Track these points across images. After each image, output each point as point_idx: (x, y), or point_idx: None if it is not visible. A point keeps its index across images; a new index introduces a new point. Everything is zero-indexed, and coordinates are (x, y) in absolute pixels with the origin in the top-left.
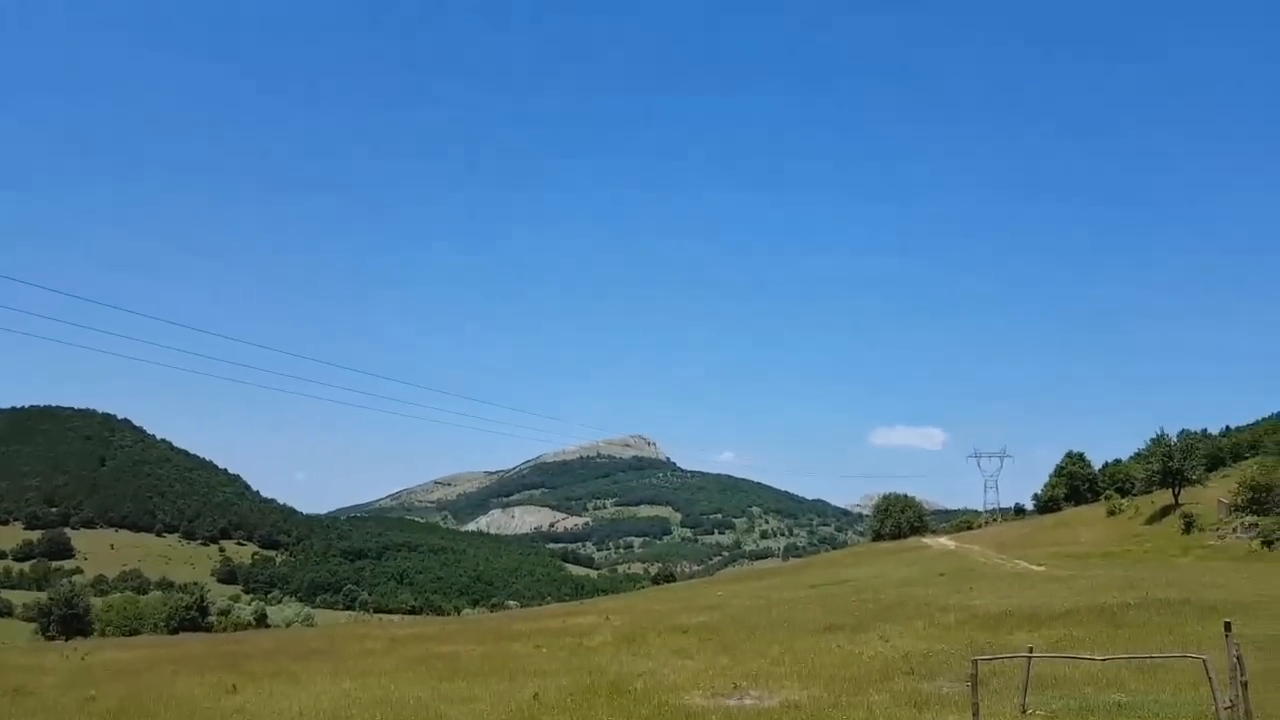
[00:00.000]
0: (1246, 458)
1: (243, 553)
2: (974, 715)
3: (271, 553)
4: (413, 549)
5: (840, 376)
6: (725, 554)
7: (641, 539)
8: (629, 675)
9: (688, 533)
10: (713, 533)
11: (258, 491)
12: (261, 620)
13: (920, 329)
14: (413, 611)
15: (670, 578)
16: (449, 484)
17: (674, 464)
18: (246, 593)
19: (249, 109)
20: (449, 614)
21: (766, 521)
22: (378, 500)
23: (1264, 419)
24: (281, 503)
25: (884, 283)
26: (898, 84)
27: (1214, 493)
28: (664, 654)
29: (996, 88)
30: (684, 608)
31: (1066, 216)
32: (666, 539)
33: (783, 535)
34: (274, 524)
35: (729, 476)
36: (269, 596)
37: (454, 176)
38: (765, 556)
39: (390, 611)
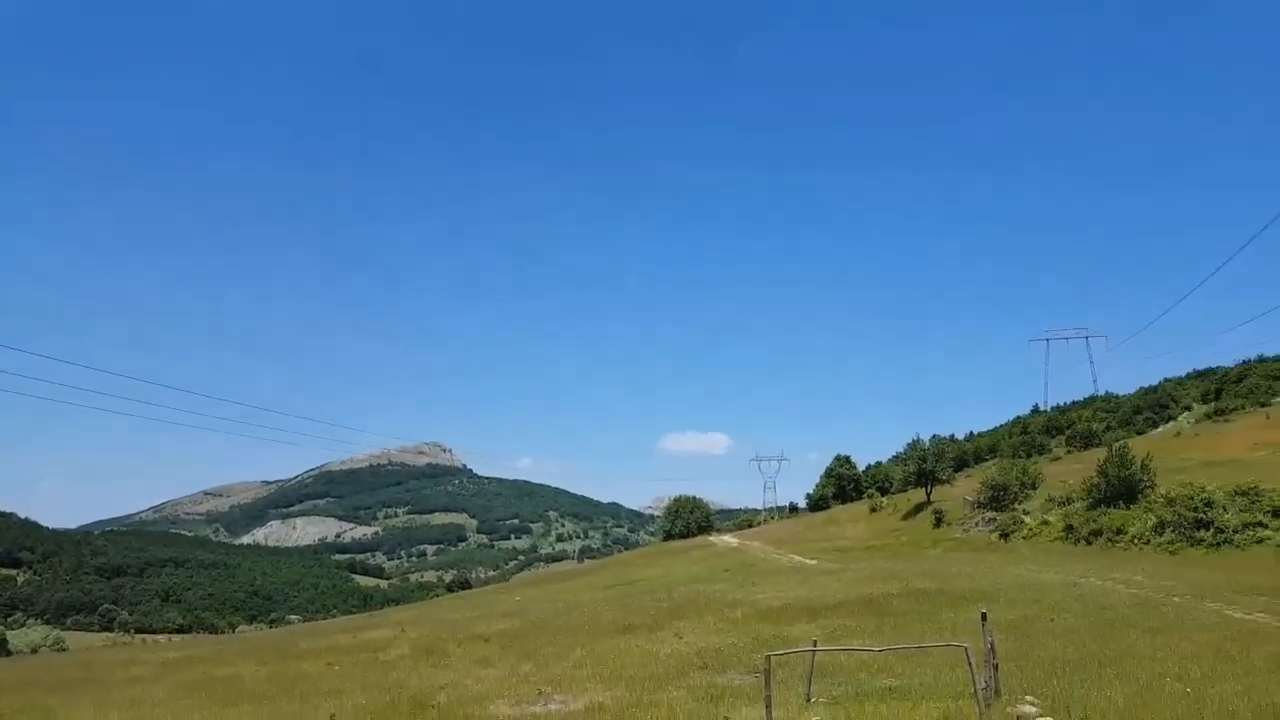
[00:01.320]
0: (987, 459)
1: None
2: (766, 707)
3: (12, 571)
4: (179, 564)
5: (633, 385)
6: (522, 558)
7: (436, 546)
8: (430, 689)
9: (484, 539)
10: (509, 538)
11: None
12: (1, 646)
13: (707, 339)
14: (181, 630)
15: (466, 585)
16: (220, 495)
17: (471, 471)
18: None
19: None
20: (223, 631)
21: (563, 525)
22: (138, 513)
23: (1001, 425)
24: (22, 516)
25: (673, 292)
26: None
27: (960, 491)
28: (465, 664)
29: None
30: (483, 615)
31: (838, 243)
32: (462, 545)
33: (578, 538)
34: (13, 540)
35: (526, 482)
36: (9, 620)
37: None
38: (561, 559)
39: (155, 631)
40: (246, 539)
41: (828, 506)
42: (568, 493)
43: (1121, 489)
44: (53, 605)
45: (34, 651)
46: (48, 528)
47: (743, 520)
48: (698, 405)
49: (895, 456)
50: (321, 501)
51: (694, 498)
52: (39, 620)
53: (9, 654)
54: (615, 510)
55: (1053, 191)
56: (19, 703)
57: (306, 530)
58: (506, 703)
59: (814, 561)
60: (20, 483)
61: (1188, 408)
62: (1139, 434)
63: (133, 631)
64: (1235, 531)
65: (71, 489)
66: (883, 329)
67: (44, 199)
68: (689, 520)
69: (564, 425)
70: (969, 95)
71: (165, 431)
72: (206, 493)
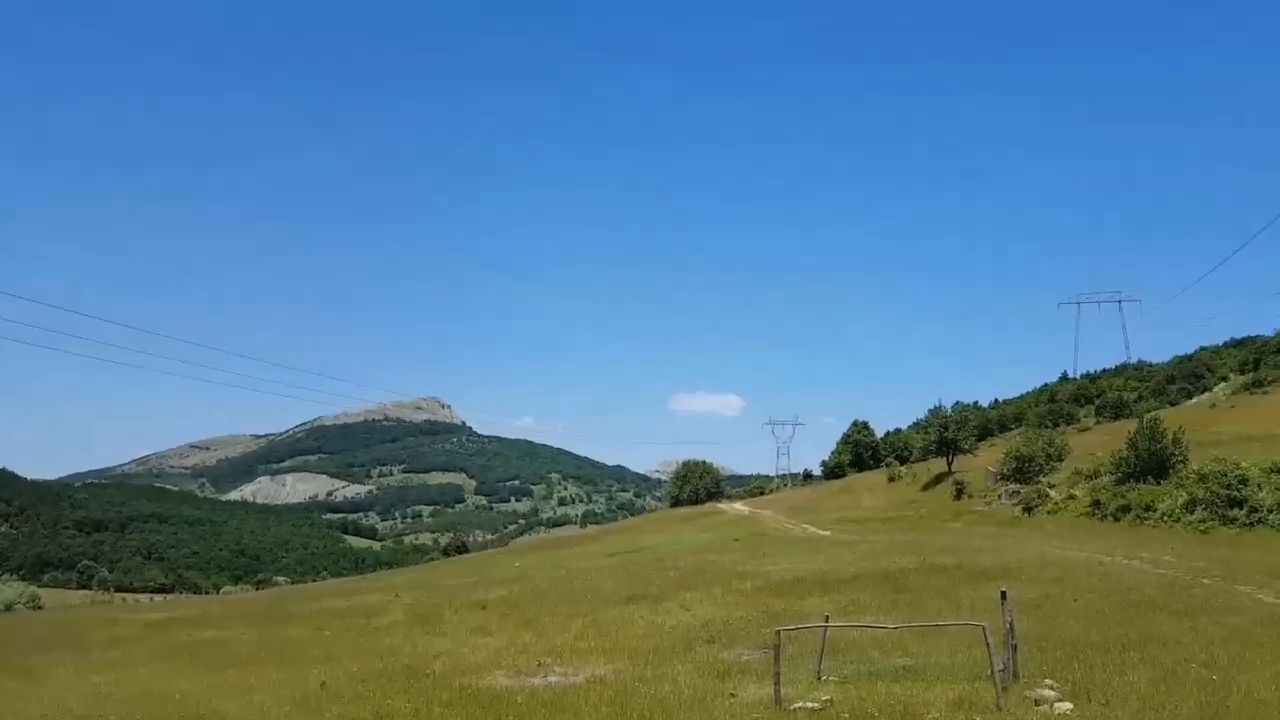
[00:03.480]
0: (1012, 429)
1: None
2: (775, 684)
3: None
4: (163, 520)
5: (642, 343)
6: (522, 522)
7: (432, 507)
8: (425, 656)
9: (483, 500)
10: (509, 500)
11: None
12: None
13: (721, 297)
14: (162, 590)
15: (463, 548)
16: (207, 448)
17: (470, 429)
18: None
19: None
20: (207, 592)
21: (565, 488)
22: (120, 465)
23: (1028, 393)
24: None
25: (685, 249)
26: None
27: (983, 461)
28: (462, 632)
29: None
30: (481, 581)
31: (862, 199)
32: (460, 507)
33: (581, 501)
34: None
35: (528, 442)
36: None
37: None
38: (563, 524)
39: (135, 590)
40: (234, 495)
41: (844, 474)
42: (571, 454)
43: (1152, 463)
44: (29, 560)
45: (8, 609)
46: (26, 478)
47: (755, 487)
48: (710, 365)
49: (916, 423)
50: (313, 458)
51: (704, 462)
52: (15, 576)
53: None
54: (621, 474)
55: (1086, 146)
56: None
57: (297, 487)
58: (505, 673)
59: (828, 532)
60: None
61: (1224, 378)
62: (1172, 405)
63: (112, 590)
64: (1270, 511)
65: (51, 439)
66: (904, 289)
67: (15, 134)
68: (698, 486)
69: (568, 383)
70: (1002, 37)
71: (150, 380)
72: (192, 445)
